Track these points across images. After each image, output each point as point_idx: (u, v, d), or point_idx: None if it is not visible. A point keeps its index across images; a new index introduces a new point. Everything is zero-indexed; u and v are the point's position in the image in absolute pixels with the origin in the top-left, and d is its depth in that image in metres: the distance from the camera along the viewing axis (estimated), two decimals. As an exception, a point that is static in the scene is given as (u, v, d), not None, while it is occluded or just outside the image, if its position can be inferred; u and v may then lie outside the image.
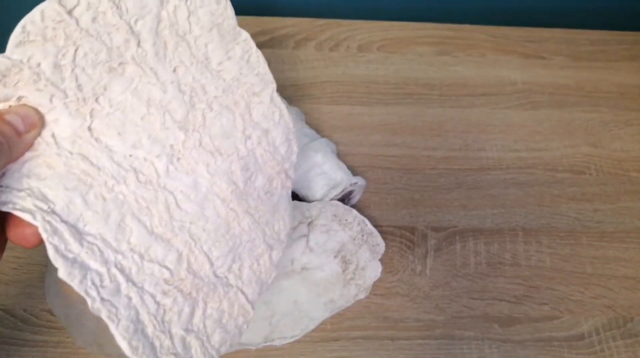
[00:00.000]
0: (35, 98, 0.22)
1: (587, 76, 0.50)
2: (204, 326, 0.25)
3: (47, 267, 0.33)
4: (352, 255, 0.36)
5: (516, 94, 0.48)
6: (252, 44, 0.29)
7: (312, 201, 0.38)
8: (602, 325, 0.38)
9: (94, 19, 0.23)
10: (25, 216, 0.20)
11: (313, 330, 0.36)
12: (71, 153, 0.22)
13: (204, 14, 0.27)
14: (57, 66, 0.22)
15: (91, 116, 0.23)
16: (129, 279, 0.22)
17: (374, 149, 0.44)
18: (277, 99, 0.29)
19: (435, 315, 0.37)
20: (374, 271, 0.37)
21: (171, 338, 0.23)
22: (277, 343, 0.34)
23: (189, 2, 0.26)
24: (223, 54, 0.27)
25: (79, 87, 0.23)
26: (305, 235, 0.36)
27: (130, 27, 0.24)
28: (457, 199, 0.42)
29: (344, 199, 0.40)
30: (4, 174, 0.21)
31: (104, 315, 0.21)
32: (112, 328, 0.22)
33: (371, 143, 0.45)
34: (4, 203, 0.20)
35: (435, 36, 0.52)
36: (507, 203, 0.42)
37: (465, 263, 0.40)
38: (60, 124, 0.22)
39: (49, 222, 0.21)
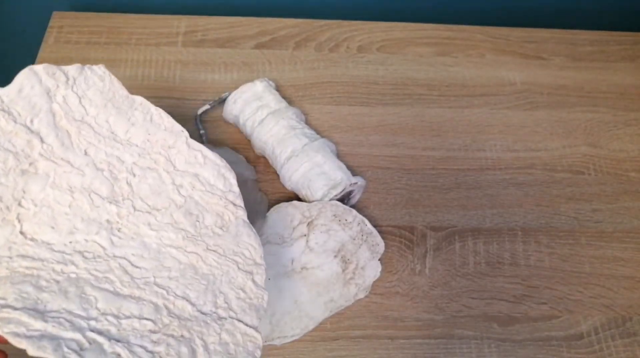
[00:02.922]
0: None
1: (586, 77, 0.50)
2: None
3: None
4: (352, 254, 0.37)
5: (515, 95, 0.49)
6: (149, 105, 0.30)
7: (312, 201, 0.38)
8: (601, 325, 0.38)
9: None
10: None
11: (313, 330, 0.36)
12: (10, 258, 0.23)
13: (93, 94, 0.28)
14: None
15: (19, 221, 0.24)
16: (110, 338, 0.23)
17: (373, 149, 0.44)
18: (194, 143, 0.30)
19: (434, 315, 0.38)
20: (374, 270, 0.37)
21: None
22: (277, 342, 0.35)
23: (75, 89, 0.27)
24: (126, 123, 0.28)
25: None
26: (305, 235, 0.37)
27: (28, 128, 0.25)
28: (456, 199, 0.43)
29: (344, 199, 0.40)
30: None
31: None
32: None
33: (371, 143, 0.45)
34: None
35: (434, 37, 0.52)
36: (506, 203, 0.43)
37: (465, 263, 0.40)
38: None
39: (2, 318, 0.21)
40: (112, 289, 0.24)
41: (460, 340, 0.37)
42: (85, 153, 0.27)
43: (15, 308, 0.22)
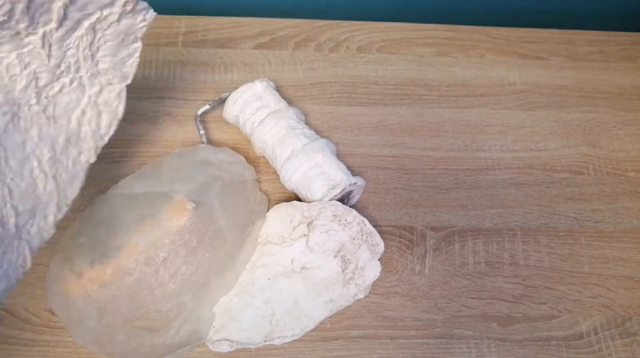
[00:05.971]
0: None
1: (585, 77, 0.50)
2: None
3: (48, 267, 0.33)
4: (352, 254, 0.37)
5: (515, 95, 0.49)
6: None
7: (312, 201, 0.38)
8: (601, 325, 0.38)
9: None
10: None
11: (313, 329, 0.36)
12: None
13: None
14: None
15: None
16: None
17: (373, 149, 0.45)
18: (124, 94, 0.33)
19: (434, 315, 0.38)
20: (374, 270, 0.37)
21: None
22: (277, 342, 0.35)
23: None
24: (112, 54, 0.31)
25: None
26: (305, 235, 0.37)
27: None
28: (456, 199, 0.43)
29: (344, 199, 0.40)
30: None
31: None
32: None
33: (371, 143, 0.45)
34: None
35: (434, 37, 0.52)
36: (505, 203, 0.43)
37: (464, 263, 0.40)
38: None
39: None
40: None
41: (460, 340, 0.37)
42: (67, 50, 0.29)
43: None
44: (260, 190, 0.41)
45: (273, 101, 0.41)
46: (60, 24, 0.27)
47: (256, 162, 0.43)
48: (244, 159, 0.42)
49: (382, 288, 0.38)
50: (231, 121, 0.43)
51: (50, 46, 0.27)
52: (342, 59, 0.50)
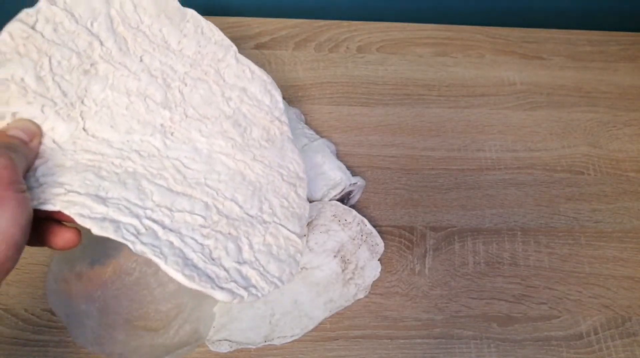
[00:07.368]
0: (27, 111, 0.24)
1: (585, 77, 0.50)
2: (256, 259, 0.26)
3: (48, 267, 0.33)
4: (352, 254, 0.37)
5: (515, 95, 0.49)
6: (200, 18, 0.31)
7: (312, 202, 0.38)
8: (601, 325, 0.38)
9: (55, 30, 0.25)
10: (47, 207, 0.22)
11: (313, 330, 0.36)
12: (74, 151, 0.25)
13: (147, 3, 0.29)
14: (38, 78, 0.24)
15: (82, 118, 0.25)
16: (164, 227, 0.24)
17: (373, 149, 0.45)
18: (242, 58, 0.31)
19: (434, 315, 0.38)
20: (373, 270, 0.37)
21: (226, 270, 0.25)
22: (277, 342, 0.35)
23: None
24: (178, 34, 0.29)
25: (64, 93, 0.25)
26: (305, 235, 0.37)
27: (89, 30, 0.26)
28: (455, 199, 0.43)
29: (344, 199, 0.40)
30: None
31: (149, 254, 0.23)
32: (162, 265, 0.23)
33: (370, 143, 0.45)
34: None
35: (434, 37, 0.52)
36: (505, 203, 0.43)
37: (464, 263, 0.40)
38: (57, 131, 0.24)
39: (68, 201, 0.23)
40: (165, 185, 0.26)
41: (459, 340, 0.37)
42: (141, 60, 0.28)
43: (80, 194, 0.23)
44: (260, 190, 0.41)
45: (273, 101, 0.41)
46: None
47: (256, 162, 0.43)
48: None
49: (382, 288, 0.38)
50: (231, 121, 0.43)
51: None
52: (342, 59, 0.50)
